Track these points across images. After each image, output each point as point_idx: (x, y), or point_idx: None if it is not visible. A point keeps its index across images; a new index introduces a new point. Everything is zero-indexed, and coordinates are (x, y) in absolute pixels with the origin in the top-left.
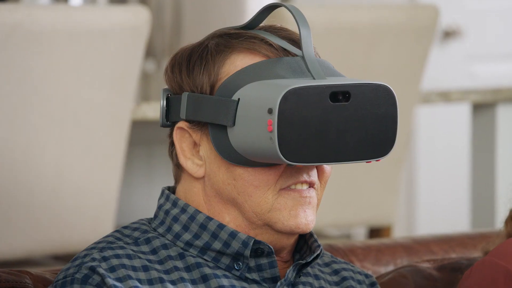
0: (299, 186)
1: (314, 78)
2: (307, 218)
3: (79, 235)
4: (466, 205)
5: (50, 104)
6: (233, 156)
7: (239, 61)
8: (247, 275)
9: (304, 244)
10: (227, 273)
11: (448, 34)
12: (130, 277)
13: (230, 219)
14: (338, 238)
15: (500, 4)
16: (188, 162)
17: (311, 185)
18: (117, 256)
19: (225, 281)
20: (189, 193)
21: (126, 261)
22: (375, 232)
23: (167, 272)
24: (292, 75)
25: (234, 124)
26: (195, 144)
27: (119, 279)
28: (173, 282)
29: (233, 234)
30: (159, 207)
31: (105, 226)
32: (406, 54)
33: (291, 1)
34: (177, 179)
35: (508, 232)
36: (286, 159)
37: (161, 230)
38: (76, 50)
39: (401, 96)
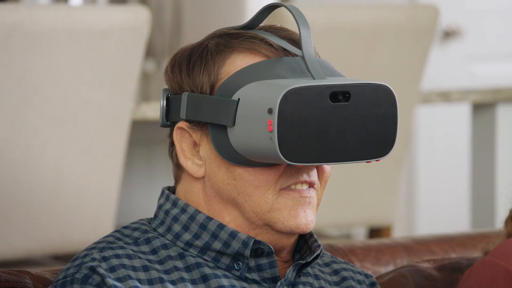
0: (299, 186)
1: (314, 78)
2: (307, 218)
3: (79, 235)
4: (466, 205)
5: (50, 104)
6: (233, 156)
7: (239, 61)
8: (247, 275)
9: (304, 244)
10: (227, 273)
11: (448, 34)
12: (130, 277)
13: (230, 219)
14: (338, 238)
15: (500, 4)
16: (188, 162)
17: (311, 185)
18: (117, 256)
19: (225, 281)
20: (189, 193)
21: (126, 261)
22: (375, 232)
23: (167, 272)
24: (292, 75)
25: (234, 124)
26: (195, 144)
27: (119, 279)
28: (173, 282)
29: (233, 234)
30: (159, 207)
31: (105, 226)
32: (406, 54)
33: (291, 1)
34: (177, 179)
35: (508, 232)
36: (286, 159)
37: (161, 230)
38: (76, 50)
39: (401, 96)
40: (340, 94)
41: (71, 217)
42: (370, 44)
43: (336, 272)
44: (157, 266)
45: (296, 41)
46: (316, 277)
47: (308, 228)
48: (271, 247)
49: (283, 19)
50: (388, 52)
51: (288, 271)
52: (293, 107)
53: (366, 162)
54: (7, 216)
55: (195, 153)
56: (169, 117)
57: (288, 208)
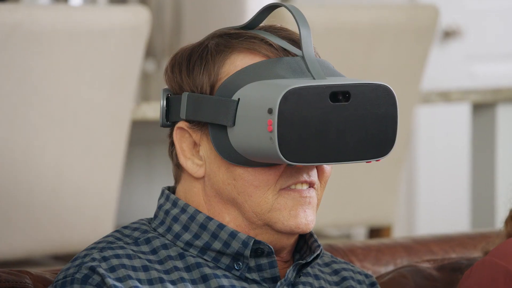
0: (299, 186)
1: (314, 78)
2: (307, 218)
3: (79, 235)
4: (466, 205)
5: (50, 104)
6: (233, 156)
7: (239, 61)
8: (247, 275)
9: (304, 244)
10: (227, 273)
11: (448, 34)
12: (130, 277)
13: (230, 219)
14: (338, 238)
15: (500, 4)
16: (188, 162)
17: (311, 185)
18: (117, 256)
19: (225, 281)
20: (189, 193)
21: (126, 261)
22: (375, 232)
23: (167, 272)
24: (292, 75)
25: (234, 124)
26: (195, 144)
27: (119, 279)
28: (173, 282)
29: (233, 234)
30: (159, 207)
31: (105, 226)
32: (406, 54)
33: (291, 1)
34: (177, 179)
35: (508, 232)
36: (286, 159)
37: (161, 230)
38: (76, 50)
39: (401, 96)
40: (340, 94)
41: (71, 217)
42: (370, 44)
43: (336, 272)
44: (157, 266)
45: (296, 41)
46: (316, 277)
47: (308, 228)
48: (271, 247)
49: (283, 19)
50: (388, 52)
51: (288, 271)
52: (293, 107)
53: (366, 162)
54: (7, 216)
55: (195, 153)
56: (169, 117)
57: (288, 208)
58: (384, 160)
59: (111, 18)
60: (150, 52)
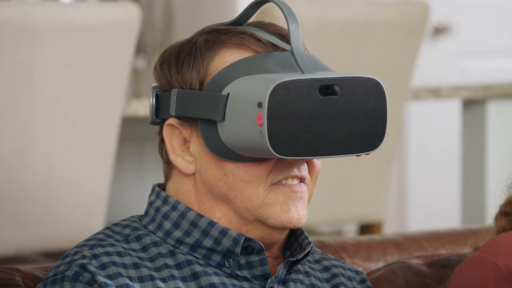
0: (289, 181)
1: (303, 72)
2: (299, 213)
3: (70, 231)
4: (457, 201)
5: (40, 100)
6: (224, 152)
7: (228, 57)
8: (238, 272)
9: (295, 241)
10: (217, 270)
11: (439, 30)
12: (120, 275)
13: (221, 215)
14: (329, 234)
15: (490, 1)
16: (179, 159)
17: (301, 179)
18: (108, 254)
19: (215, 279)
20: (180, 190)
21: (116, 258)
22: (366, 228)
23: (157, 269)
24: (281, 69)
25: (224, 119)
26: (185, 141)
27: (109, 277)
28: (163, 280)
29: (223, 232)
30: (150, 204)
31: (96, 223)
32: (396, 51)
33: None
34: (167, 176)
35: (498, 228)
36: (276, 152)
37: (151, 227)
38: (67, 46)
39: (392, 92)
40: (329, 87)
41: (62, 214)
42: (361, 40)
43: (326, 269)
44: (148, 264)
45: (285, 36)
46: (307, 274)
47: (300, 222)
48: (261, 244)
49: (272, 15)
50: (379, 48)
51: (278, 268)
52: (283, 101)
53: (356, 155)
54: None
55: (185, 150)
56: (159, 114)
57: (280, 203)
58: (374, 156)
59: (102, 15)
60: (140, 49)
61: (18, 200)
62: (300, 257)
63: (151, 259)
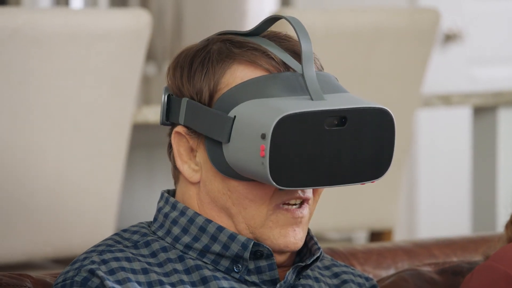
0: (293, 201)
1: (312, 98)
2: (296, 237)
3: (80, 238)
4: (467, 208)
5: (51, 107)
6: (228, 171)
7: (239, 72)
8: (247, 277)
9: (304, 246)
10: (226, 275)
11: (449, 38)
12: (129, 280)
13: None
14: (339, 241)
15: (501, 8)
16: (185, 166)
17: (305, 200)
18: (117, 259)
19: (224, 283)
20: (185, 196)
21: (125, 264)
22: (376, 235)
23: (166, 274)
24: (290, 93)
25: (229, 141)
26: (192, 150)
27: (118, 282)
28: (172, 285)
29: (232, 237)
30: (159, 210)
31: (105, 229)
32: (407, 58)
33: (293, 5)
34: (175, 180)
35: (508, 237)
36: (277, 184)
37: (160, 233)
38: (77, 53)
39: (402, 100)
40: (336, 119)
41: (71, 220)
42: (371, 48)
43: (336, 275)
44: (157, 269)
45: (298, 54)
46: (316, 279)
47: (296, 246)
48: (270, 249)
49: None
50: (389, 55)
51: (287, 274)
52: (287, 133)
53: (361, 184)
54: (8, 219)
55: (192, 158)
56: (169, 117)
57: (279, 227)
58: None
59: (112, 22)
60: (151, 56)
61: (29, 207)
62: (309, 262)
63: (160, 265)
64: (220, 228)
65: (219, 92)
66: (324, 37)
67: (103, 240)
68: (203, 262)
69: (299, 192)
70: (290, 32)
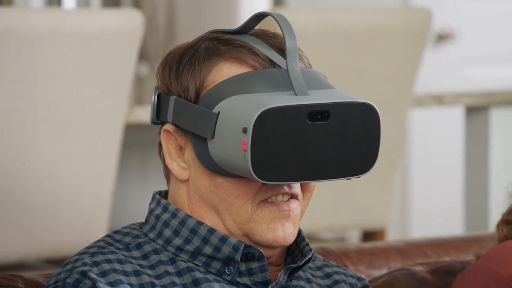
0: (279, 198)
1: (296, 94)
2: (286, 232)
3: (73, 238)
4: (460, 208)
5: (43, 107)
6: (214, 167)
7: (225, 70)
8: (238, 279)
9: (296, 247)
10: (218, 277)
11: (442, 37)
12: (121, 282)
13: (211, 224)
14: (332, 241)
15: (494, 7)
16: (174, 164)
17: (293, 196)
18: (108, 261)
19: (216, 286)
20: (176, 194)
21: (117, 265)
22: (369, 235)
23: (158, 277)
24: (274, 89)
25: (213, 136)
26: (181, 148)
27: (110, 284)
28: (164, 287)
29: (223, 239)
30: (150, 211)
31: (99, 229)
32: (399, 58)
33: (285, 4)
34: (167, 180)
35: (500, 236)
36: (259, 178)
37: (152, 235)
38: (70, 53)
39: (395, 99)
40: (319, 113)
41: (64, 221)
42: (364, 47)
43: (328, 275)
44: (148, 271)
45: (284, 51)
46: (308, 280)
47: (286, 241)
48: (261, 251)
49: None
50: (382, 55)
51: (279, 275)
52: (269, 127)
53: (346, 179)
54: (0, 219)
55: (181, 156)
56: (159, 116)
57: (267, 222)
58: (377, 163)
59: (105, 22)
60: (143, 56)
61: (21, 207)
62: (301, 264)
63: (151, 267)
64: (212, 230)
65: (205, 89)
66: (317, 37)
67: (94, 242)
68: (195, 264)
69: (285, 187)
70: (280, 30)
